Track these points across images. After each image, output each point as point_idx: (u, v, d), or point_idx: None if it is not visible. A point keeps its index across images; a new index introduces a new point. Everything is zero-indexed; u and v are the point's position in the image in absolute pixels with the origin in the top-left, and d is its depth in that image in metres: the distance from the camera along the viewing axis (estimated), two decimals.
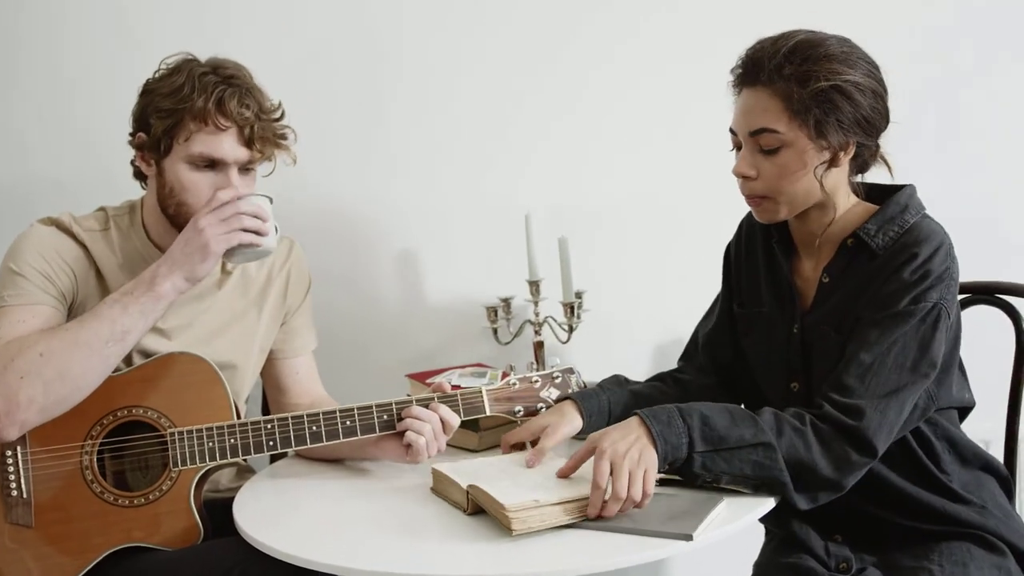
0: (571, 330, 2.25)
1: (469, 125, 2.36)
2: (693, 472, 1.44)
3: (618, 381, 1.79)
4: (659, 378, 1.82)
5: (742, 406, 1.52)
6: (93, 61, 2.28)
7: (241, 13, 2.30)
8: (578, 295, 2.25)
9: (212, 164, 1.69)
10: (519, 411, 1.74)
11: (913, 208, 1.57)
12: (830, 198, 1.57)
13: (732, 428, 1.43)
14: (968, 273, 1.90)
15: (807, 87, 1.48)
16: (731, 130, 1.59)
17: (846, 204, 1.60)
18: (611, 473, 1.38)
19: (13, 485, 1.66)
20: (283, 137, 1.76)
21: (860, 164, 1.59)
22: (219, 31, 2.26)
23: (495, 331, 2.30)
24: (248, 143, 1.70)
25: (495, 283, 2.32)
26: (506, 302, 2.29)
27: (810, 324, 1.61)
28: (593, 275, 2.31)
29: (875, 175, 1.65)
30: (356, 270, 2.36)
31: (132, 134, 1.75)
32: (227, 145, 1.68)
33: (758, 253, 1.72)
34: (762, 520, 1.52)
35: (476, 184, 2.37)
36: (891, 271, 1.51)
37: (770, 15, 2.27)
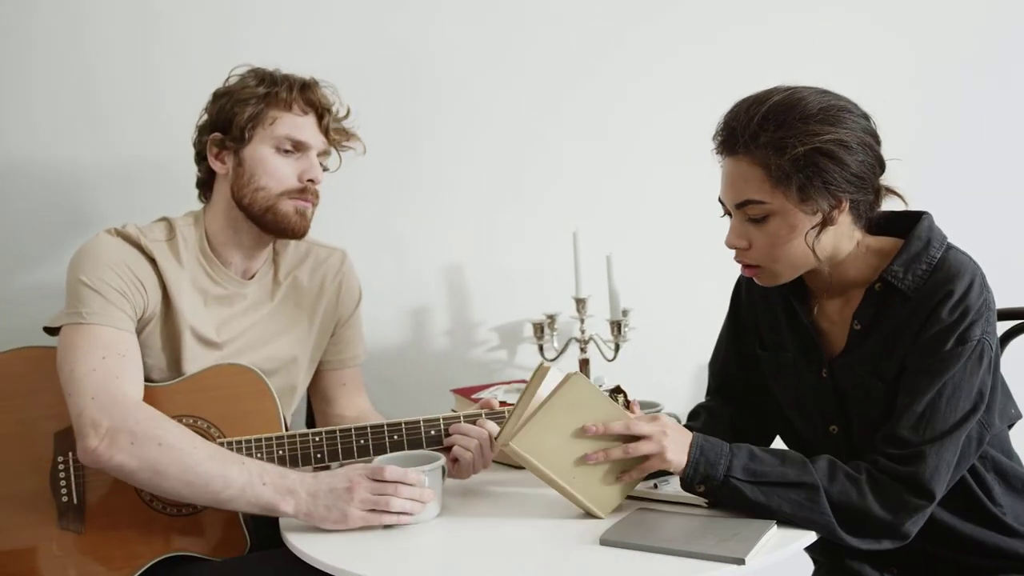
0: (617, 348, 2.24)
1: (517, 140, 2.36)
2: (728, 497, 1.44)
3: None
4: (695, 412, 1.80)
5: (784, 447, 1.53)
6: (115, 58, 2.26)
7: (276, 20, 2.30)
8: (624, 313, 2.24)
9: (294, 148, 1.78)
10: None
11: (936, 241, 1.51)
12: (832, 253, 1.52)
13: (778, 466, 1.43)
14: (1020, 298, 1.88)
15: (785, 155, 1.42)
16: (720, 199, 1.55)
17: (852, 247, 1.54)
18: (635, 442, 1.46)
19: (64, 491, 1.68)
20: (347, 138, 1.90)
21: (864, 211, 1.52)
22: (251, 41, 2.23)
23: (541, 348, 2.29)
24: (325, 131, 1.83)
25: (542, 299, 2.32)
26: (552, 319, 2.29)
27: (841, 368, 1.58)
28: (640, 293, 2.30)
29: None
30: (403, 284, 2.36)
31: (202, 140, 1.81)
32: (309, 130, 1.80)
33: (774, 296, 1.68)
34: (808, 551, 1.50)
35: (524, 199, 2.37)
36: (928, 312, 1.47)
37: (808, 40, 2.30)
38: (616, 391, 1.75)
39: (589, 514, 1.51)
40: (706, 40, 2.33)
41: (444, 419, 1.71)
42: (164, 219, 1.84)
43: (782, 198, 1.46)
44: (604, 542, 1.39)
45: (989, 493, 1.55)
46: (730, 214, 1.55)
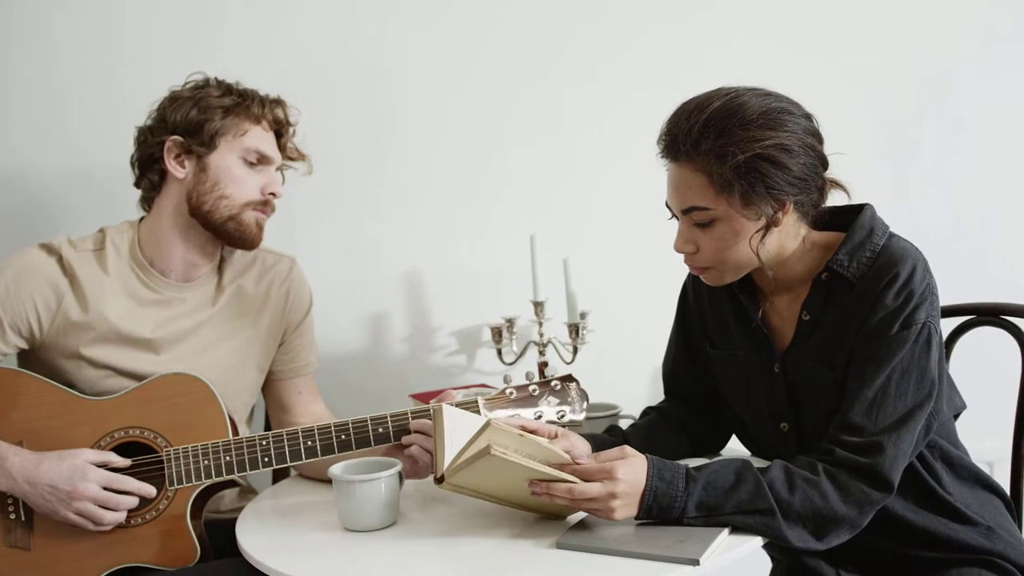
0: (575, 351, 2.25)
1: (472, 146, 2.36)
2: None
3: (611, 432, 1.75)
4: (647, 413, 1.80)
5: (748, 454, 1.53)
6: (85, 72, 2.28)
7: (239, 32, 2.31)
8: (582, 315, 2.24)
9: (259, 161, 1.83)
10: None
11: (878, 229, 1.54)
12: (778, 252, 1.54)
13: (731, 494, 1.41)
14: (969, 295, 1.91)
15: (725, 163, 1.43)
16: (667, 204, 1.56)
17: (798, 244, 1.56)
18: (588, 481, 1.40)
19: (11, 508, 1.66)
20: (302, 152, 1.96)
21: (808, 209, 1.53)
22: (214, 52, 2.27)
23: (499, 352, 2.29)
24: (283, 148, 1.89)
25: (500, 304, 2.32)
26: (510, 322, 2.29)
27: (793, 363, 1.59)
28: (598, 295, 2.31)
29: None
30: (360, 290, 2.36)
31: (156, 141, 1.80)
32: (272, 145, 1.86)
33: (721, 295, 1.69)
34: (766, 548, 1.51)
35: (481, 204, 2.37)
36: (874, 298, 1.49)
37: (756, 29, 2.32)
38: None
39: (547, 518, 1.51)
40: (654, 34, 2.34)
41: (392, 416, 1.70)
42: (101, 230, 1.84)
43: (726, 204, 1.47)
44: (560, 545, 1.40)
45: (939, 480, 1.57)
46: (677, 217, 1.56)
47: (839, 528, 1.43)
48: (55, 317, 1.74)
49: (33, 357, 1.78)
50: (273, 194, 1.85)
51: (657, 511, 1.41)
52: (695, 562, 1.30)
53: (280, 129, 1.88)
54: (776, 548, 1.60)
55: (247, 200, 1.82)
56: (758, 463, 1.47)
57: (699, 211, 1.49)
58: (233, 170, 1.80)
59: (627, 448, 1.46)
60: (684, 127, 1.47)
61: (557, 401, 1.72)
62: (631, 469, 1.41)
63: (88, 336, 1.74)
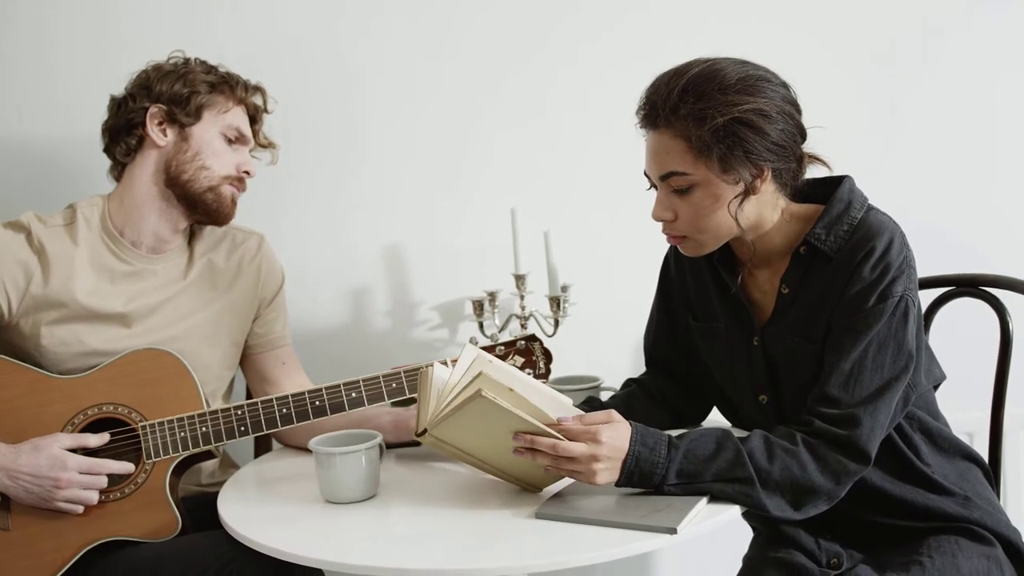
0: (557, 324, 2.25)
1: (453, 117, 2.35)
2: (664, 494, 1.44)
3: (590, 403, 1.76)
4: (628, 384, 1.81)
5: (729, 425, 1.53)
6: (78, 60, 2.28)
7: (223, 12, 2.29)
8: (564, 289, 2.24)
9: (237, 140, 1.87)
10: None
11: (857, 202, 1.54)
12: (756, 222, 1.54)
13: (711, 462, 1.42)
14: (951, 266, 1.92)
15: (704, 126, 1.43)
16: (645, 173, 1.56)
17: (778, 216, 1.56)
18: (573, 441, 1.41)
19: None
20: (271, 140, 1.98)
21: (787, 179, 1.54)
22: (201, 30, 2.26)
23: (481, 325, 2.29)
24: (255, 135, 1.93)
25: (482, 277, 2.31)
26: (492, 296, 2.28)
27: (772, 336, 1.59)
28: (579, 269, 2.31)
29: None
30: (343, 265, 2.35)
31: (140, 108, 1.82)
32: (251, 131, 1.90)
33: (703, 268, 1.69)
34: (746, 517, 1.52)
35: (462, 177, 2.36)
36: (851, 271, 1.49)
37: (735, 6, 2.31)
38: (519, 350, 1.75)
39: (525, 489, 1.51)
40: (638, 11, 2.33)
41: (364, 380, 1.72)
42: (70, 205, 1.84)
43: (704, 169, 1.47)
44: (540, 515, 1.41)
45: (917, 452, 1.58)
46: (656, 187, 1.55)
47: (816, 498, 1.44)
48: (24, 296, 1.73)
49: (2, 335, 1.77)
50: (247, 172, 1.88)
51: (639, 477, 1.42)
52: (672, 531, 1.31)
53: (256, 115, 1.92)
54: (756, 518, 1.62)
55: (225, 173, 1.84)
56: (739, 433, 1.48)
57: (677, 176, 1.49)
58: (214, 143, 1.83)
59: (614, 412, 1.47)
60: (663, 93, 1.47)
61: (523, 360, 1.77)
62: (615, 433, 1.42)
63: (57, 314, 1.74)
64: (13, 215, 1.80)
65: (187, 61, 1.87)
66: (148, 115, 1.81)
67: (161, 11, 2.27)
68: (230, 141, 1.86)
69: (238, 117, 1.87)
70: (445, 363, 1.54)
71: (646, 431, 1.44)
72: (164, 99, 1.81)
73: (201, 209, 1.83)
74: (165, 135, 1.82)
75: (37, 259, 1.74)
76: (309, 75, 2.30)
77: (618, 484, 1.43)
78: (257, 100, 1.92)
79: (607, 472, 1.42)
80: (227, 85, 1.86)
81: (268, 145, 1.97)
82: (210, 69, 1.87)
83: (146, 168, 1.83)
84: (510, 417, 1.38)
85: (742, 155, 1.45)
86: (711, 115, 1.44)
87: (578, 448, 1.40)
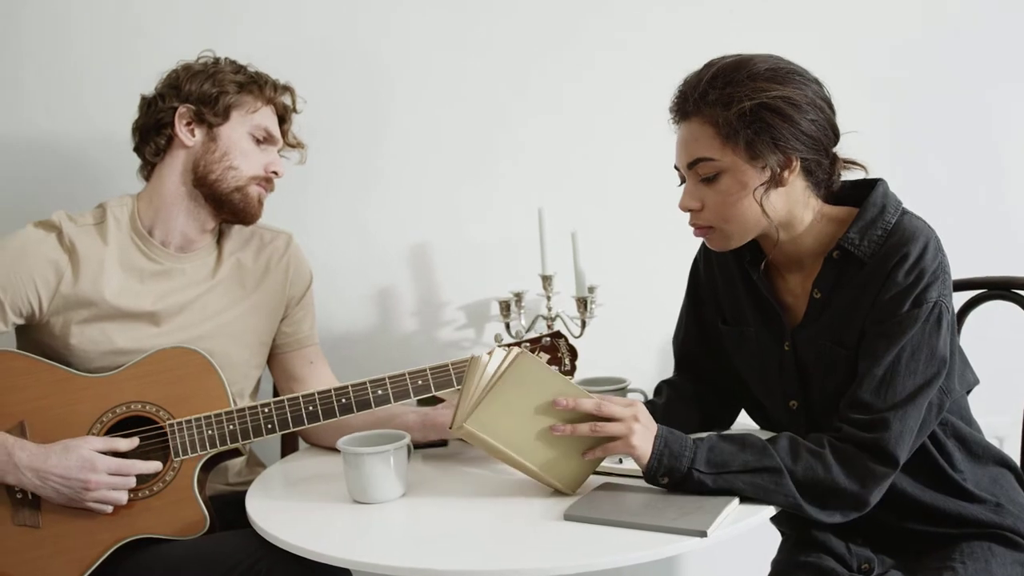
0: (584, 325, 2.24)
1: (481, 117, 2.34)
2: (692, 488, 1.44)
3: None
4: (660, 388, 1.80)
5: (757, 428, 1.53)
6: (100, 48, 2.29)
7: (248, 9, 2.30)
8: (591, 290, 2.23)
9: (265, 140, 1.87)
10: None
11: (891, 207, 1.52)
12: (786, 218, 1.53)
13: (738, 453, 1.43)
14: (981, 269, 1.90)
15: (731, 109, 1.45)
16: (675, 166, 1.57)
17: (811, 217, 1.55)
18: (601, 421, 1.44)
19: (17, 488, 1.66)
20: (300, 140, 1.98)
21: (819, 179, 1.53)
22: (225, 30, 2.27)
23: (508, 326, 2.29)
24: (284, 134, 1.93)
25: (508, 277, 2.31)
26: (519, 296, 2.28)
27: (804, 340, 1.58)
28: (606, 269, 2.30)
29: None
30: (368, 265, 2.35)
31: (169, 108, 1.82)
32: (279, 130, 1.90)
33: (733, 271, 1.68)
34: (774, 521, 1.51)
35: (489, 177, 2.36)
36: (884, 276, 1.48)
37: (777, 6, 2.30)
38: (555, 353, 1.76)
39: (556, 491, 1.51)
40: (672, 11, 2.32)
41: (390, 379, 1.73)
42: (100, 204, 1.85)
43: (731, 154, 1.48)
44: (568, 517, 1.40)
45: (949, 459, 1.57)
46: (684, 180, 1.56)
47: (841, 501, 1.42)
48: (54, 296, 1.74)
49: (31, 334, 1.78)
50: (276, 172, 1.88)
51: (668, 459, 1.43)
52: (703, 534, 1.30)
53: (285, 115, 1.92)
54: (785, 522, 1.60)
55: (253, 174, 1.84)
56: (766, 436, 1.47)
57: (705, 162, 1.49)
58: (242, 143, 1.84)
59: (634, 400, 1.50)
60: (692, 83, 1.50)
61: (547, 357, 1.78)
62: (647, 415, 1.46)
63: (87, 313, 1.74)
64: (44, 214, 1.81)
65: (216, 61, 1.87)
66: (176, 115, 1.82)
67: (182, 12, 2.28)
68: (258, 141, 1.86)
69: (267, 117, 1.87)
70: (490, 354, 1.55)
71: (670, 431, 1.46)
72: (193, 99, 1.82)
73: (228, 209, 1.83)
74: (193, 135, 1.82)
75: (68, 258, 1.75)
76: (334, 74, 2.30)
77: (646, 472, 1.44)
78: (286, 100, 1.92)
79: (643, 436, 1.44)
80: (255, 85, 1.86)
81: (296, 145, 1.97)
82: (239, 69, 1.87)
83: (175, 168, 1.83)
84: (551, 381, 1.41)
85: (769, 141, 1.46)
86: (739, 98, 1.45)
87: (620, 408, 1.44)
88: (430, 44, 2.33)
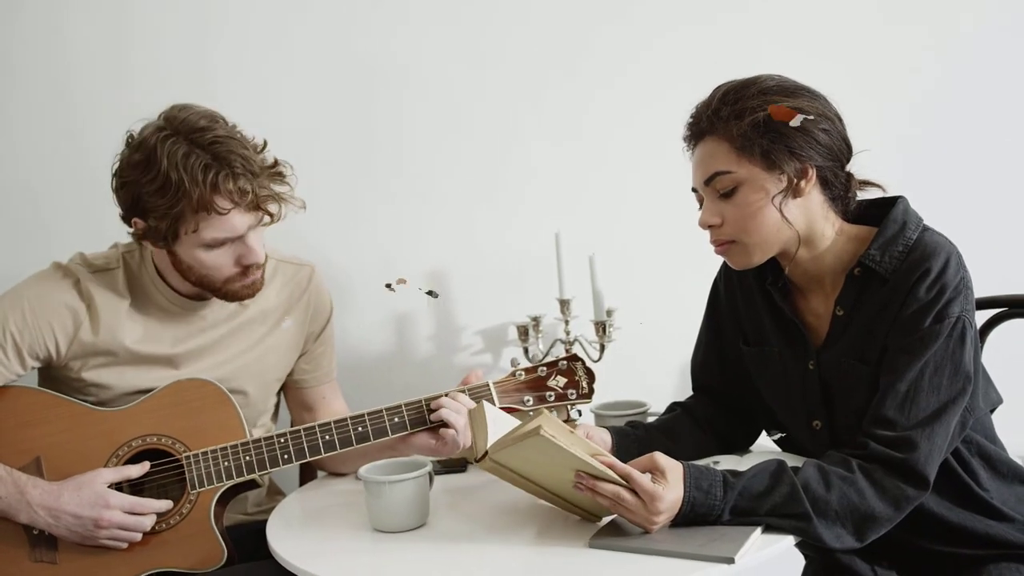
0: (602, 348, 2.23)
1: (496, 142, 2.35)
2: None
3: (634, 426, 1.74)
4: (672, 408, 1.79)
5: (778, 451, 1.51)
6: (93, 68, 2.30)
7: (250, 31, 2.31)
8: (609, 313, 2.23)
9: (223, 244, 1.68)
10: (528, 400, 1.74)
11: (912, 223, 1.52)
12: (807, 232, 1.53)
13: (766, 498, 1.39)
14: (1003, 287, 1.88)
15: (744, 119, 1.47)
16: (693, 189, 1.58)
17: (831, 234, 1.55)
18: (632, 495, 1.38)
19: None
20: (281, 184, 1.72)
21: (836, 193, 1.53)
22: (224, 49, 2.27)
23: (526, 350, 2.28)
24: (255, 209, 1.68)
25: (525, 302, 2.30)
26: (536, 321, 2.27)
27: (828, 359, 1.57)
28: (624, 293, 2.29)
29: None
30: (384, 291, 2.34)
31: (125, 218, 1.71)
32: (236, 221, 1.66)
33: (755, 291, 1.67)
34: (798, 546, 1.49)
35: (505, 201, 2.36)
36: (906, 292, 1.47)
37: (786, 30, 2.30)
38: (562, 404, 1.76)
39: (581, 517, 1.50)
40: (683, 33, 2.32)
41: (406, 405, 1.71)
42: (115, 245, 1.83)
43: (748, 165, 1.49)
44: (593, 544, 1.39)
45: (975, 478, 1.55)
46: (702, 201, 1.56)
47: (877, 526, 1.41)
48: (72, 342, 1.73)
49: (50, 373, 1.78)
50: (252, 265, 1.71)
51: (693, 518, 1.40)
52: (730, 560, 1.29)
53: (240, 201, 1.64)
54: (809, 546, 1.58)
55: (226, 277, 1.72)
56: (792, 460, 1.45)
57: (722, 176, 1.50)
58: (202, 258, 1.68)
59: (659, 457, 1.41)
60: (703, 106, 1.53)
61: (565, 381, 1.76)
62: (670, 496, 1.38)
63: (106, 359, 1.74)
64: (67, 239, 1.79)
65: (145, 160, 1.63)
66: (132, 224, 1.70)
67: (185, 32, 2.28)
68: (221, 244, 1.68)
69: (212, 228, 1.65)
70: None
71: (699, 472, 1.41)
72: (137, 214, 1.67)
73: (223, 298, 1.76)
74: (157, 247, 1.71)
75: (86, 308, 1.73)
76: (348, 98, 2.31)
77: (673, 525, 1.41)
78: (230, 190, 1.62)
79: (663, 519, 1.39)
80: (181, 203, 1.61)
81: (272, 212, 1.72)
82: (165, 184, 1.61)
83: (159, 253, 1.75)
84: (569, 456, 1.37)
85: (785, 149, 1.47)
86: (751, 109, 1.47)
87: (635, 502, 1.38)
88: (442, 70, 2.33)
